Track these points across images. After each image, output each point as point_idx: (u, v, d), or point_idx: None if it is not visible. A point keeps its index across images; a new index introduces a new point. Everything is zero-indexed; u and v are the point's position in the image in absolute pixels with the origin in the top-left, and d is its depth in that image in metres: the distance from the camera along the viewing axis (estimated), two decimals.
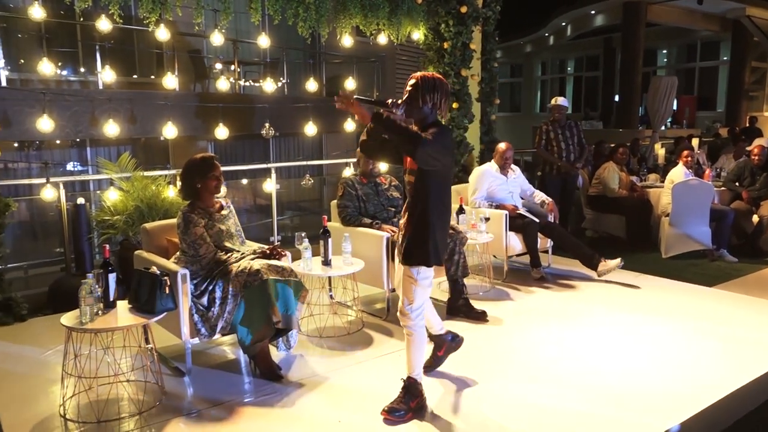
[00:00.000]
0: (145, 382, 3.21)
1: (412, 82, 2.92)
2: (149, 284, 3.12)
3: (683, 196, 6.13)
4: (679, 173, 6.38)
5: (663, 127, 13.17)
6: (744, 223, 6.53)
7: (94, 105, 5.84)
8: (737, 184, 6.86)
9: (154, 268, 3.22)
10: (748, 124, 14.44)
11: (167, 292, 3.11)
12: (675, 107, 15.51)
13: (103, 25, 5.01)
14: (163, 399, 3.13)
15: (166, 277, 3.13)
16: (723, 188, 6.97)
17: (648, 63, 18.24)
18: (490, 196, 5.42)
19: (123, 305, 3.17)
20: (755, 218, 6.43)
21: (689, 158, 6.55)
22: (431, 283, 3.00)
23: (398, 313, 3.00)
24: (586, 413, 2.97)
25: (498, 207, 5.31)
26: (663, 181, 6.94)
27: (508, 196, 5.43)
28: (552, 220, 5.42)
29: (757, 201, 6.54)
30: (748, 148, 7.49)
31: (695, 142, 8.92)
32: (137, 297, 3.14)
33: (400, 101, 2.90)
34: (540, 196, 5.59)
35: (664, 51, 20.14)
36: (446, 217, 3.01)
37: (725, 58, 17.92)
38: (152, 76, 8.19)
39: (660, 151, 9.14)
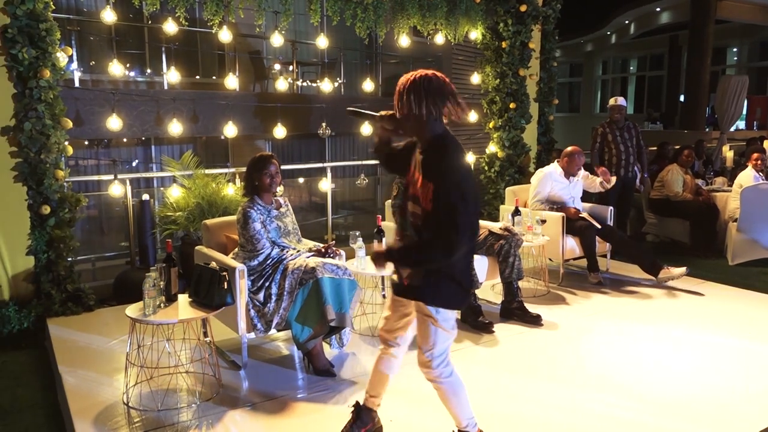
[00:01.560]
0: (203, 374, 3.31)
1: (398, 90, 2.29)
2: (208, 279, 3.21)
3: (753, 201, 5.85)
4: (748, 177, 6.09)
5: (732, 129, 12.59)
6: None
7: (159, 105, 6.06)
8: None
9: (213, 264, 3.32)
10: None
11: (225, 287, 3.20)
12: (746, 108, 14.78)
13: (170, 27, 5.19)
14: (220, 391, 3.21)
15: (224, 273, 3.22)
16: None
17: (717, 61, 17.48)
18: (551, 199, 5.28)
19: (183, 299, 3.28)
20: None
21: (759, 161, 6.24)
22: (455, 326, 2.46)
23: (418, 365, 2.50)
24: (639, 423, 2.87)
25: (559, 210, 5.18)
26: (731, 185, 6.64)
27: (569, 200, 5.30)
28: (607, 186, 5.22)
29: None
30: None
31: (767, 144, 8.48)
32: (197, 291, 3.24)
33: (390, 113, 2.41)
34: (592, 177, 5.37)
35: (735, 49, 19.24)
36: (470, 257, 2.54)
37: None
38: (214, 77, 8.44)
39: (728, 153, 8.74)
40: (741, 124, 15.50)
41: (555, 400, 3.11)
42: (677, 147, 7.34)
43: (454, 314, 2.44)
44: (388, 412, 2.99)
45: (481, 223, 4.72)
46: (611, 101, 6.38)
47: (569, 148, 5.33)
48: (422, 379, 3.35)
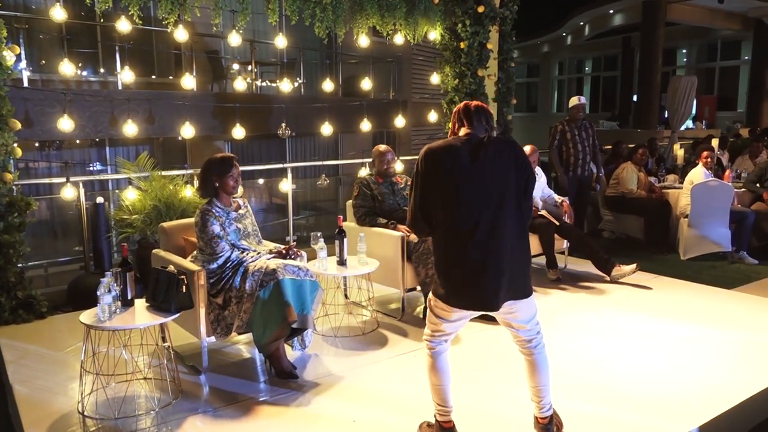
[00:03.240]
0: (161, 379, 3.24)
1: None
2: (166, 283, 3.15)
3: (703, 198, 6.06)
4: (698, 174, 6.30)
5: (682, 128, 13.00)
6: (765, 224, 6.43)
7: (114, 105, 5.91)
8: (758, 185, 6.75)
9: (171, 267, 3.25)
10: None
11: (184, 290, 3.14)
12: (695, 107, 15.29)
13: (123, 26, 5.07)
14: (180, 397, 3.15)
15: (183, 276, 3.16)
16: (743, 189, 6.87)
17: (667, 62, 18.04)
18: None
19: (141, 304, 3.20)
20: None
21: (709, 159, 6.46)
22: (445, 319, 2.57)
23: None
24: (600, 417, 2.94)
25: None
26: (682, 182, 6.86)
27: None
28: (567, 221, 5.38)
29: None
30: None
31: (715, 142, 8.79)
32: (154, 295, 3.17)
33: None
34: (555, 197, 5.56)
35: (684, 50, 19.89)
36: (464, 251, 2.44)
37: (746, 58, 17.66)
38: (170, 77, 8.28)
39: (679, 151, 9.03)
40: (690, 123, 16.02)
41: (516, 395, 3.14)
42: (631, 146, 7.54)
43: (446, 306, 2.54)
44: (352, 412, 2.99)
45: None
46: (574, 100, 6.51)
47: (525, 147, 5.44)
48: (387, 379, 3.37)
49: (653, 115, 15.12)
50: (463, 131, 2.61)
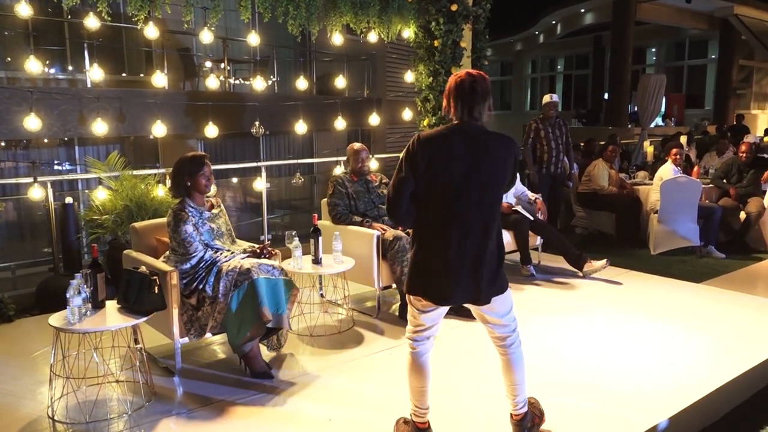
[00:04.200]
0: (134, 382, 3.20)
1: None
2: (138, 284, 3.10)
3: (672, 194, 6.18)
4: (667, 171, 6.42)
5: (652, 125, 13.24)
6: (731, 219, 6.59)
7: (83, 103, 5.80)
8: (725, 181, 6.91)
9: (143, 268, 3.21)
10: (735, 122, 14.56)
11: (156, 291, 3.10)
12: (664, 105, 15.58)
13: (91, 22, 4.97)
14: (153, 399, 3.11)
15: (155, 277, 3.12)
16: (711, 185, 7.02)
17: (637, 61, 18.34)
18: None
19: (112, 305, 3.15)
20: (742, 215, 6.49)
21: (678, 156, 6.59)
22: (423, 315, 2.57)
23: None
24: (572, 409, 2.98)
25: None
26: (652, 179, 6.98)
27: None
28: (541, 218, 5.45)
29: (744, 198, 6.59)
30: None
31: (683, 139, 8.98)
32: (126, 297, 3.12)
33: None
34: (529, 194, 5.62)
35: (653, 49, 20.25)
36: (443, 243, 2.42)
37: (713, 57, 18.05)
38: (141, 75, 8.15)
39: (649, 148, 9.19)
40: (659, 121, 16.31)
41: (491, 391, 3.17)
42: (602, 143, 7.65)
43: (423, 303, 2.54)
44: (328, 411, 2.98)
45: None
46: (546, 98, 6.59)
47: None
48: (363, 377, 3.37)
49: (624, 112, 15.37)
50: (455, 118, 2.49)
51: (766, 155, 8.19)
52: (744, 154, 6.76)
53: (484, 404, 3.04)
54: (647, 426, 2.80)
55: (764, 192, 6.59)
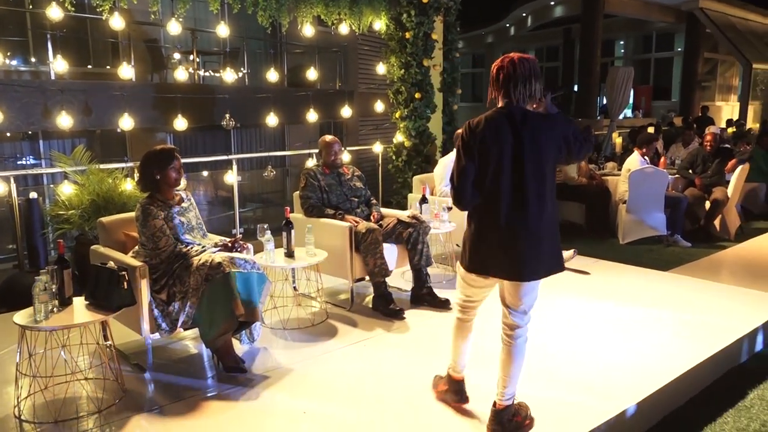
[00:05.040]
0: (104, 379, 3.15)
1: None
2: (107, 280, 3.05)
3: (639, 184, 6.29)
4: (635, 161, 6.53)
5: (621, 117, 13.45)
6: (697, 208, 6.74)
7: (46, 96, 5.65)
8: (690, 171, 7.06)
9: (111, 263, 3.15)
10: (700, 114, 14.88)
11: (126, 287, 3.04)
12: (632, 97, 15.84)
13: (54, 12, 4.85)
14: (124, 396, 3.07)
15: (124, 272, 3.06)
16: (677, 176, 7.17)
17: (606, 53, 18.60)
18: None
19: (79, 302, 3.09)
20: (707, 204, 6.64)
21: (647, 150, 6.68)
22: (464, 284, 2.77)
23: None
24: (543, 397, 3.02)
25: None
26: (620, 170, 7.10)
27: None
28: None
29: (709, 187, 6.75)
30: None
31: (651, 130, 9.14)
32: (94, 293, 3.07)
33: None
34: None
35: (621, 42, 20.55)
36: (494, 220, 2.55)
37: (679, 49, 18.40)
38: (108, 67, 7.97)
39: (617, 140, 9.34)
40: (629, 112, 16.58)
41: (467, 380, 3.20)
42: None
43: (464, 273, 2.72)
44: (302, 404, 2.98)
45: (389, 212, 4.80)
46: None
47: (457, 131, 5.62)
48: (337, 370, 3.37)
49: (593, 104, 15.57)
50: (501, 101, 2.60)
51: (728, 145, 8.40)
52: (709, 144, 6.91)
53: (469, 392, 3.06)
54: (615, 412, 2.86)
55: (728, 182, 6.76)
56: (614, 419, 2.83)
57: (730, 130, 12.98)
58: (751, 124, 16.27)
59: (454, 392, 2.93)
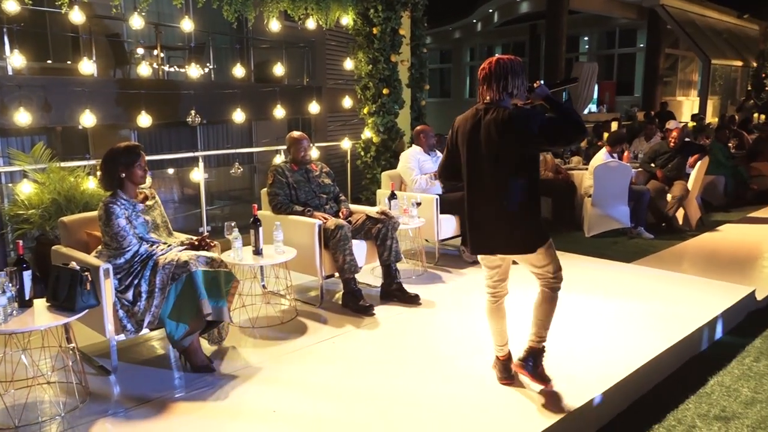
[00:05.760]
0: (67, 383, 3.07)
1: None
2: (69, 280, 2.97)
3: (604, 178, 6.41)
4: (600, 158, 6.64)
5: (586, 111, 13.66)
6: (659, 201, 6.89)
7: (3, 92, 5.50)
8: (652, 165, 7.21)
9: (73, 264, 3.07)
10: (659, 109, 15.21)
11: (88, 288, 2.98)
12: (596, 92, 16.10)
13: (10, 5, 4.70)
14: (88, 399, 3.00)
15: (86, 273, 2.99)
16: (640, 169, 7.32)
17: (571, 49, 18.84)
18: (423, 171, 5.50)
19: (40, 304, 3.01)
20: (669, 197, 6.80)
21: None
22: (489, 272, 3.07)
23: None
24: (509, 389, 3.05)
25: (435, 175, 5.41)
26: (585, 164, 7.21)
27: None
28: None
29: (670, 180, 6.90)
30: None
31: (615, 125, 9.31)
32: (56, 294, 2.99)
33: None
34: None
35: (586, 38, 20.85)
36: (470, 204, 2.95)
37: (642, 45, 18.75)
38: (68, 62, 7.77)
39: None
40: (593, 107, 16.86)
41: (437, 375, 3.23)
42: None
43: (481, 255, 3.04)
44: (271, 403, 2.96)
45: (358, 207, 4.79)
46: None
47: (418, 128, 5.76)
48: (307, 367, 3.35)
49: (559, 99, 15.75)
50: (480, 98, 2.92)
51: (689, 139, 8.60)
52: (674, 140, 7.04)
53: (440, 385, 3.08)
54: (582, 401, 2.91)
55: (688, 175, 6.92)
56: (581, 409, 2.88)
57: (690, 124, 13.30)
58: (710, 118, 16.71)
59: (499, 370, 3.12)
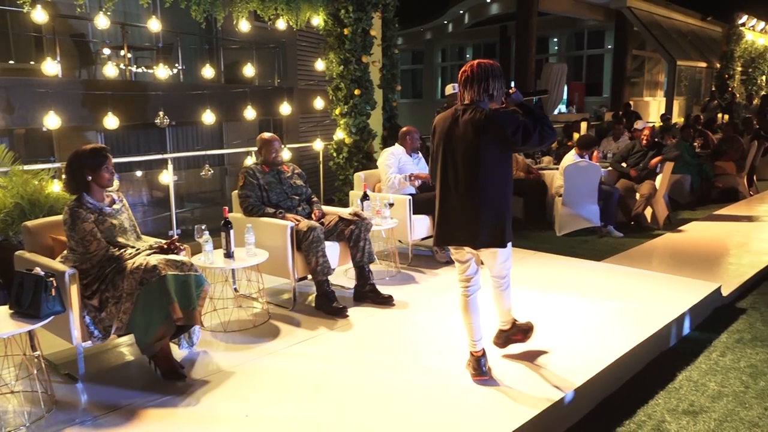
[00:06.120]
0: (32, 392, 2.99)
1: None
2: (33, 286, 2.89)
3: (574, 177, 6.49)
4: (570, 158, 6.72)
5: (556, 112, 13.83)
6: (628, 200, 7.01)
7: None
8: (624, 165, 7.32)
9: (37, 269, 2.99)
10: (624, 110, 15.46)
11: (54, 293, 2.90)
12: (566, 93, 16.31)
13: None
14: (54, 408, 2.93)
15: (51, 278, 2.91)
16: (609, 168, 7.43)
17: (541, 50, 19.09)
18: (402, 171, 5.50)
19: (3, 311, 2.92)
20: (637, 195, 6.92)
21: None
22: (460, 267, 3.19)
23: None
24: (481, 387, 3.07)
25: (412, 177, 5.41)
26: (556, 164, 7.29)
27: (418, 170, 5.55)
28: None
29: (642, 179, 7.00)
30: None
31: (584, 125, 9.44)
32: (19, 301, 2.90)
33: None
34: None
35: (555, 39, 21.13)
36: (440, 198, 3.09)
37: (609, 47, 19.06)
38: (31, 62, 7.58)
39: None
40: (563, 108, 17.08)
41: (411, 376, 3.22)
42: None
43: (453, 249, 3.19)
44: (244, 408, 2.92)
45: (331, 209, 4.77)
46: (449, 88, 6.69)
47: (404, 128, 5.73)
48: (280, 371, 3.32)
49: (529, 100, 15.92)
50: (459, 100, 3.09)
51: (657, 139, 8.76)
52: (645, 139, 7.13)
53: (414, 386, 3.08)
54: (554, 399, 2.93)
55: (657, 174, 7.05)
56: (553, 406, 2.90)
57: (657, 124, 13.56)
58: (676, 118, 17.05)
59: (473, 367, 3.14)
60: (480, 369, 3.13)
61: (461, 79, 3.02)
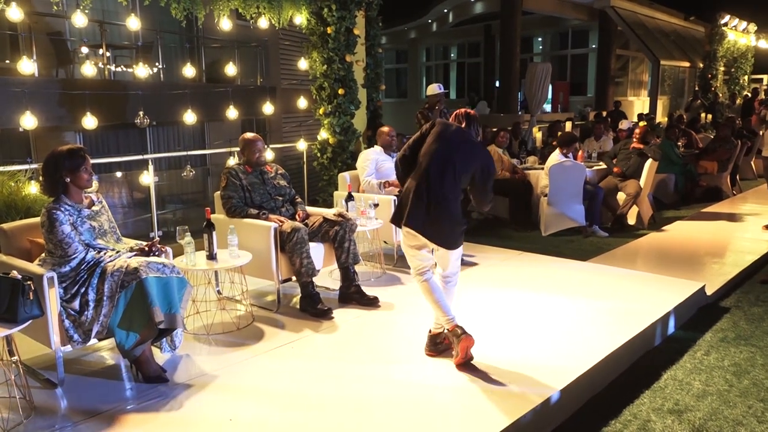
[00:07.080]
0: (9, 398, 2.91)
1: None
2: (9, 290, 2.81)
3: (559, 177, 6.50)
4: (555, 158, 6.73)
5: (540, 112, 13.87)
6: (611, 200, 7.04)
7: None
8: (614, 161, 7.33)
9: (14, 273, 2.91)
10: (613, 108, 15.58)
11: (31, 297, 2.83)
12: (551, 92, 16.38)
13: None
14: (33, 414, 2.86)
15: (29, 282, 2.84)
16: (596, 168, 7.43)
17: (525, 50, 19.16)
18: (380, 173, 5.48)
19: None
20: (620, 195, 6.95)
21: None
22: (411, 252, 3.41)
23: None
24: (467, 388, 3.06)
25: (388, 183, 5.39)
26: (541, 164, 7.30)
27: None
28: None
29: (627, 178, 7.01)
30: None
31: (569, 125, 9.48)
32: None
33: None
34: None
35: (540, 38, 21.22)
36: (415, 184, 3.33)
37: (593, 46, 19.19)
38: (6, 61, 7.43)
39: (537, 134, 9.62)
40: (548, 107, 17.16)
41: (397, 377, 3.20)
42: (494, 129, 7.91)
43: (411, 241, 3.40)
44: (228, 411, 2.87)
45: (315, 210, 4.72)
46: (433, 88, 6.67)
47: (381, 128, 5.74)
48: (264, 374, 3.27)
49: (514, 99, 16.00)
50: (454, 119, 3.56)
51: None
52: (637, 137, 7.14)
53: (400, 388, 3.04)
54: (540, 400, 2.92)
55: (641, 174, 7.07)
56: (539, 407, 2.89)
57: (641, 123, 13.65)
58: (660, 117, 17.22)
59: (456, 342, 3.28)
60: (463, 332, 3.26)
61: (462, 115, 3.54)
